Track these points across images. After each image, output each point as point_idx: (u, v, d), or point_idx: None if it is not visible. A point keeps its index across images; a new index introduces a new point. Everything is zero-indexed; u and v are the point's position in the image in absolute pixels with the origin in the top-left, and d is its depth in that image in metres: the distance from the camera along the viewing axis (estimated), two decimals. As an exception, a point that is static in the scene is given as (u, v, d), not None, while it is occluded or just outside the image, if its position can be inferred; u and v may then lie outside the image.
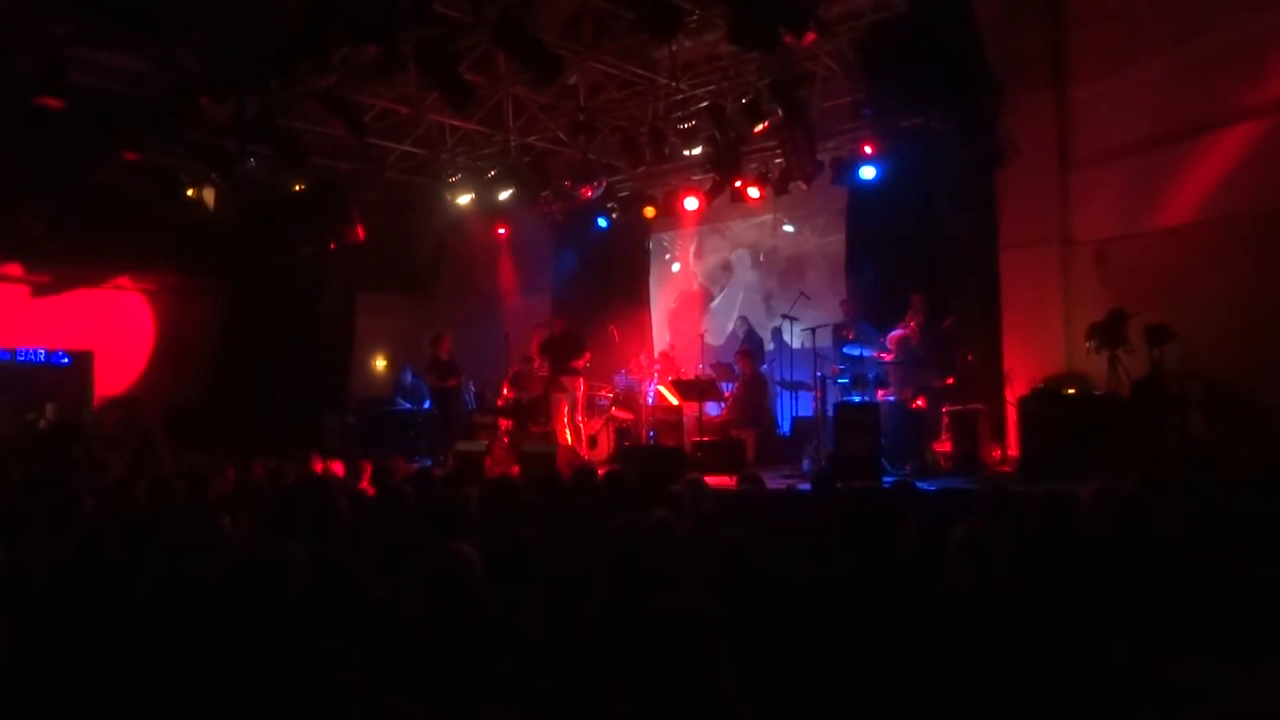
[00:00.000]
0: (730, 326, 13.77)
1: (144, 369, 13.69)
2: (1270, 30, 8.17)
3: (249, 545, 4.21)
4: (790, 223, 13.22)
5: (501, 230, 14.58)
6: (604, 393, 12.01)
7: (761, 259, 13.75)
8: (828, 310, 11.31)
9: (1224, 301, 9.06)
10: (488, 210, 13.64)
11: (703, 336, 12.61)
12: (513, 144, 12.35)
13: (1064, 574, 3.77)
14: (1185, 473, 7.49)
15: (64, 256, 12.72)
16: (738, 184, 11.52)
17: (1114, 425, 8.43)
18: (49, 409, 13.00)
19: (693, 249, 14.65)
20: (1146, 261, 9.71)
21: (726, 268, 14.06)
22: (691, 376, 11.57)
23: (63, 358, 13.65)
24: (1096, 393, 8.85)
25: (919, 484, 6.61)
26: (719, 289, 14.27)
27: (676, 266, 14.87)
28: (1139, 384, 8.59)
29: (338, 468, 8.27)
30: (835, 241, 12.44)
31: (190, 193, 11.67)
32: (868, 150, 10.51)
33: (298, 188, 12.17)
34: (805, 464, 9.80)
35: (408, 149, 12.60)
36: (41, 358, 13.47)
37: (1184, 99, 8.87)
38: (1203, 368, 8.91)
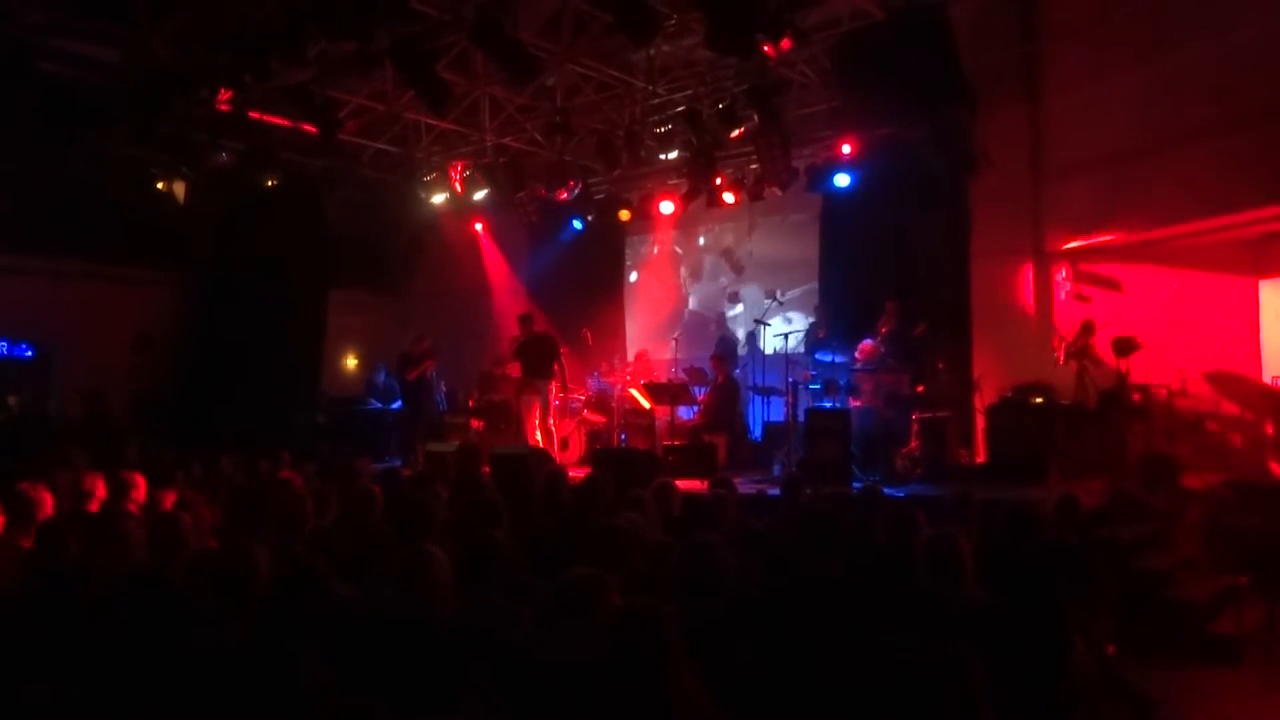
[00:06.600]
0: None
1: (110, 362, 13.46)
2: (1236, 47, 8.31)
3: (212, 543, 4.16)
4: (765, 228, 13.26)
5: (479, 224, 14.54)
6: (576, 395, 11.98)
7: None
8: (801, 316, 11.35)
9: (1190, 315, 9.21)
10: (462, 210, 13.58)
11: (676, 340, 12.60)
12: (489, 144, 12.30)
13: (1028, 579, 3.80)
14: (1148, 482, 7.60)
15: (29, 247, 12.49)
16: (715, 182, 11.50)
17: (1080, 434, 8.53)
18: (12, 402, 12.77)
19: (670, 252, 14.67)
20: (1115, 273, 9.85)
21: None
22: (664, 380, 11.57)
23: (26, 350, 13.41)
24: (1063, 402, 8.96)
25: (887, 490, 6.65)
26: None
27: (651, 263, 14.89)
28: (1105, 394, 8.71)
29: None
30: (809, 248, 12.48)
31: (160, 185, 11.52)
32: (845, 149, 10.48)
33: (270, 183, 12.04)
34: (776, 469, 9.83)
35: (383, 146, 12.52)
36: (4, 350, 13.22)
37: (1154, 113, 9.00)
38: (1168, 379, 9.05)
